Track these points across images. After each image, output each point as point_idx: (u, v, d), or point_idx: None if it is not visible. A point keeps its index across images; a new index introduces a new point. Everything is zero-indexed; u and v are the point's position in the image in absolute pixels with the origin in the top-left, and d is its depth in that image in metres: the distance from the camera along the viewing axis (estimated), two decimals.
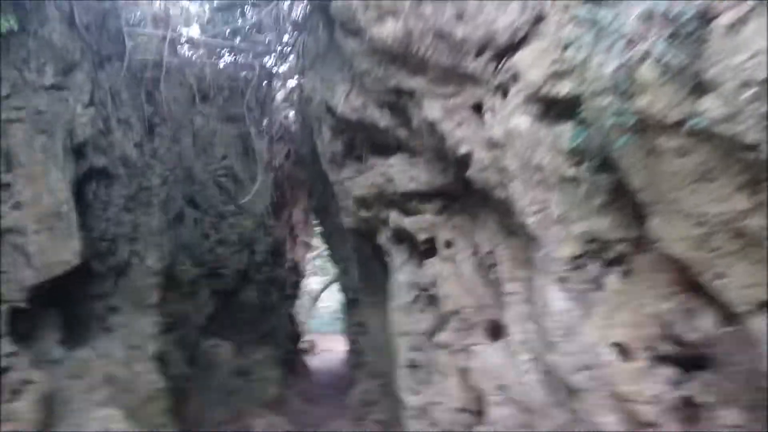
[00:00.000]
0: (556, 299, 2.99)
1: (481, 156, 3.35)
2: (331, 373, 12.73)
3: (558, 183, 2.89)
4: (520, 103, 3.12)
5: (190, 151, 9.17)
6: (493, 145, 3.25)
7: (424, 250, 4.45)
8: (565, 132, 2.80)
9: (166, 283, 7.91)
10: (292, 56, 8.69)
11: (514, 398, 3.45)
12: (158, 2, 8.96)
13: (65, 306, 5.58)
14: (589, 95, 2.48)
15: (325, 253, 14.26)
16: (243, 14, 10.07)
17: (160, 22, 8.62)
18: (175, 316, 8.09)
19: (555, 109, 2.88)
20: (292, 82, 9.95)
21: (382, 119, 3.98)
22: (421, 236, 4.34)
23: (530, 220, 3.17)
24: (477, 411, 3.99)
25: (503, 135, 3.18)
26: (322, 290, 18.52)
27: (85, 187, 5.60)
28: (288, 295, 11.84)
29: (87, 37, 5.42)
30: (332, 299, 19.87)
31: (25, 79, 4.77)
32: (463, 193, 4.05)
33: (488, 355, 3.73)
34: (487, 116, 3.30)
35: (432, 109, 3.52)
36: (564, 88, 2.77)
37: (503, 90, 3.23)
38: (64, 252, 4.81)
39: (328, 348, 16.08)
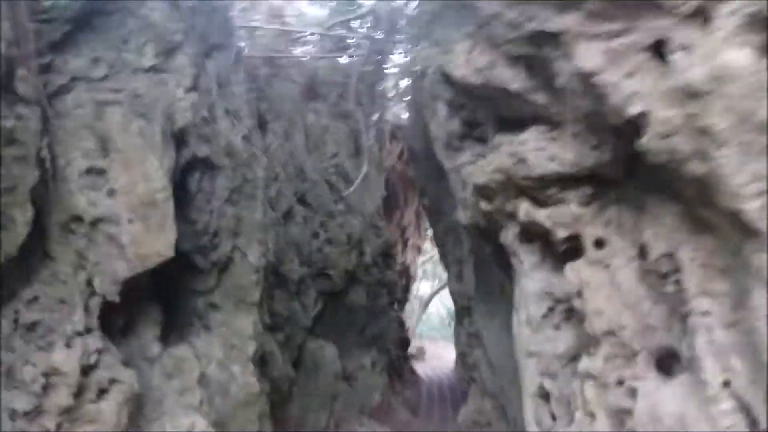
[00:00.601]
0: None
1: (664, 115, 2.24)
2: (440, 384, 11.72)
3: None
4: (735, 30, 2.00)
5: (301, 149, 8.67)
6: (686, 97, 2.14)
7: (564, 251, 3.36)
8: None
9: (272, 281, 7.40)
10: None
11: None
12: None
13: (165, 301, 5.13)
14: None
15: (436, 256, 13.35)
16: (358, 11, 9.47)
17: (274, 17, 8.22)
18: (280, 315, 7.56)
19: None
20: (404, 66, 9.08)
21: (515, 80, 2.96)
22: (561, 233, 3.25)
23: (748, 206, 2.02)
24: None
25: (705, 80, 2.06)
26: (432, 295, 17.56)
27: (188, 177, 5.12)
28: (397, 299, 11.04)
29: (191, 19, 4.94)
30: (442, 305, 18.88)
31: (124, 60, 4.34)
32: (624, 176, 2.93)
33: (661, 397, 2.57)
34: (677, 57, 2.19)
35: (588, 56, 2.46)
36: None
37: (704, 15, 2.11)
38: (159, 243, 4.30)
39: (436, 355, 15.08)
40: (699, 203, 2.35)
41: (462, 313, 7.73)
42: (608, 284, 3.02)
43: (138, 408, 4.38)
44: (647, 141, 2.33)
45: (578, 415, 3.27)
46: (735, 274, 2.32)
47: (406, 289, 13.61)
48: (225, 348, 5.17)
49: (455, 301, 8.48)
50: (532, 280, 3.75)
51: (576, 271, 3.20)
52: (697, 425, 2.27)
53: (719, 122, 2.06)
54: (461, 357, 8.94)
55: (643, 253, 2.87)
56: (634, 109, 2.35)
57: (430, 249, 16.09)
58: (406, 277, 13.33)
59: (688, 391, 2.44)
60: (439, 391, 11.17)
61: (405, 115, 10.89)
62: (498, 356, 5.81)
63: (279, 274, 7.72)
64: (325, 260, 8.68)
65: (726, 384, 2.25)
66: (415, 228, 13.52)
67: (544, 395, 3.73)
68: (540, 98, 2.91)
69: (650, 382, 2.74)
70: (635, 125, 2.40)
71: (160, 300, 5.08)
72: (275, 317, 7.41)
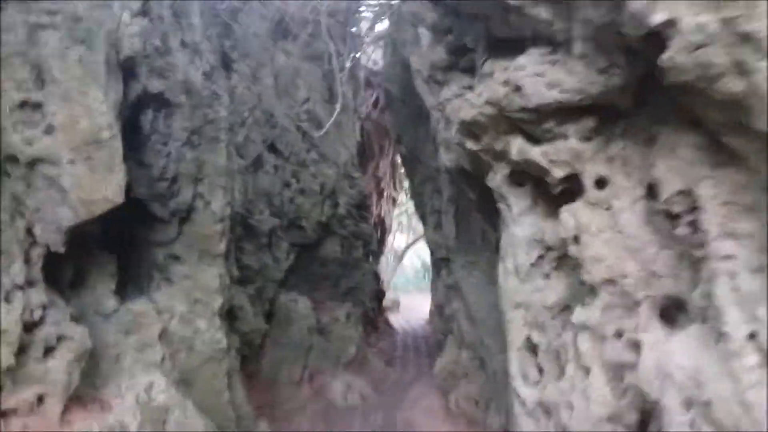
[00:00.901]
0: None
1: (696, 21, 1.86)
2: (415, 335, 11.62)
3: None
4: None
5: (270, 92, 8.08)
6: None
7: (560, 194, 3.02)
8: None
9: (241, 233, 6.98)
10: None
11: (719, 421, 2.01)
12: None
13: (122, 253, 4.68)
14: None
15: (412, 209, 13.05)
16: None
17: None
18: (250, 268, 7.18)
19: None
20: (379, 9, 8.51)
21: None
22: (558, 173, 2.90)
23: None
24: (636, 426, 2.60)
25: None
26: (407, 248, 17.38)
27: (140, 116, 4.59)
28: (372, 251, 10.74)
29: None
30: (417, 257, 18.76)
31: None
32: (633, 106, 2.57)
33: (670, 350, 2.30)
34: None
35: None
36: None
37: None
38: (107, 188, 3.81)
39: (411, 307, 14.98)
40: (728, 130, 2.01)
41: (439, 264, 7.47)
42: (609, 228, 2.70)
43: (93, 366, 4.00)
44: (673, 55, 1.95)
45: (570, 368, 3.01)
46: (763, 213, 2.01)
47: (381, 242, 13.34)
48: (188, 302, 4.78)
49: (432, 253, 8.21)
50: (521, 226, 3.43)
51: (573, 215, 2.87)
52: (715, 382, 2.00)
53: (764, 27, 1.69)
54: (438, 309, 8.76)
55: (651, 192, 2.54)
56: (658, 17, 1.96)
57: (405, 201, 15.78)
58: (381, 229, 13.03)
59: (702, 345, 2.17)
60: (414, 342, 11.06)
61: (381, 63, 10.31)
62: (478, 308, 5.57)
63: (248, 225, 7.29)
64: (298, 211, 8.26)
65: (752, 336, 1.97)
66: (391, 179, 13.12)
67: (531, 348, 3.48)
68: (542, 12, 2.49)
69: (655, 334, 2.47)
70: (658, 38, 2.01)
71: (116, 251, 4.63)
72: (245, 270, 7.04)
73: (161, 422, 3.46)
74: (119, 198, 3.86)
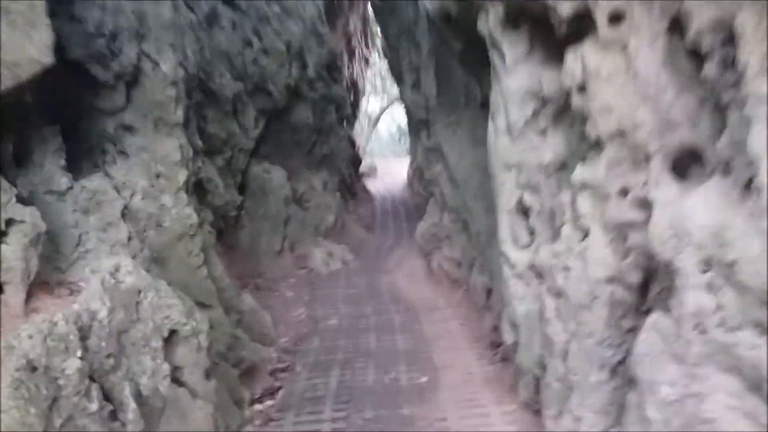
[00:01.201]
0: None
1: None
2: (394, 201, 11.58)
3: None
4: None
5: None
6: None
7: (564, 38, 2.61)
8: None
9: (201, 99, 6.42)
10: None
11: (743, 282, 1.83)
12: None
13: (69, 126, 4.19)
14: None
15: (386, 69, 12.31)
16: None
17: None
18: (216, 138, 6.73)
19: None
20: None
21: None
22: (566, 9, 2.47)
23: None
24: (640, 286, 2.49)
25: None
26: (382, 111, 16.80)
27: None
28: (346, 116, 10.24)
29: None
30: (392, 121, 18.27)
31: None
32: None
33: (688, 206, 2.08)
34: None
35: None
36: None
37: None
38: (31, 47, 3.23)
39: (388, 172, 14.84)
40: None
41: (418, 126, 7.10)
42: (623, 72, 2.34)
43: (52, 250, 3.73)
44: None
45: (566, 229, 2.84)
46: None
47: (355, 106, 12.74)
48: (150, 177, 4.41)
49: (410, 115, 7.80)
50: (515, 77, 3.04)
51: (580, 58, 2.49)
52: (744, 240, 1.80)
53: None
54: (417, 173, 8.57)
55: (675, 25, 2.16)
56: None
57: (378, 61, 14.89)
58: (355, 92, 12.36)
59: (725, 200, 1.94)
60: (393, 208, 11.05)
61: None
62: (460, 170, 5.34)
63: (208, 90, 6.68)
64: (262, 74, 7.60)
65: None
66: (362, 36, 12.16)
67: (523, 210, 3.29)
68: None
69: (668, 190, 2.24)
70: None
71: (61, 124, 4.14)
72: (210, 140, 6.58)
73: (134, 305, 3.28)
74: (47, 58, 3.29)
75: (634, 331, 2.55)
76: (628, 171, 2.42)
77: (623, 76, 2.34)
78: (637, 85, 2.30)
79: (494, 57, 3.13)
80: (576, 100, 2.56)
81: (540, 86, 2.95)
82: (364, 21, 11.78)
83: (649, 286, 2.49)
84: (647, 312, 2.49)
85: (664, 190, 2.25)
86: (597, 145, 2.53)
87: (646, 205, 2.34)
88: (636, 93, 2.31)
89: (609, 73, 2.36)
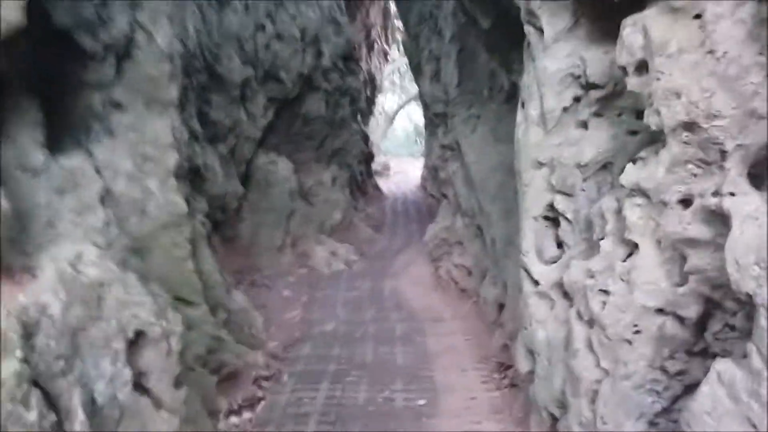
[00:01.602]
0: None
1: None
2: (406, 201, 11.07)
3: None
4: None
5: None
6: None
7: (621, 3, 2.10)
8: None
9: (206, 82, 6.00)
10: None
11: None
12: None
13: (51, 99, 3.76)
14: None
15: (404, 67, 11.83)
16: None
17: None
18: (221, 124, 6.30)
19: None
20: None
21: None
22: None
23: None
24: (697, 321, 1.97)
25: None
26: (399, 109, 16.30)
27: None
28: (360, 110, 9.77)
29: None
30: (409, 120, 17.78)
31: None
32: None
33: None
34: None
35: None
36: None
37: None
38: (4, 7, 2.81)
39: (401, 171, 14.33)
40: None
41: (436, 121, 6.61)
42: (696, 46, 1.84)
43: (19, 231, 3.30)
44: None
45: (606, 243, 2.33)
46: None
47: (371, 100, 12.26)
48: (135, 158, 3.98)
49: (427, 108, 7.31)
50: (555, 56, 2.54)
51: (641, 29, 1.98)
52: None
53: None
54: (431, 172, 8.08)
55: None
56: None
57: (397, 58, 14.41)
58: (371, 86, 11.88)
59: None
60: (404, 209, 10.56)
61: None
62: (478, 170, 4.84)
63: (215, 74, 6.25)
64: (274, 60, 7.16)
65: None
66: (382, 29, 11.69)
67: (553, 217, 2.79)
68: None
69: (749, 199, 1.73)
70: None
71: (42, 96, 3.72)
72: (214, 126, 6.15)
73: (95, 300, 2.84)
74: (20, 20, 2.86)
75: (683, 375, 2.05)
76: (695, 174, 1.92)
77: (696, 52, 1.83)
78: (714, 64, 1.80)
79: (530, 33, 2.64)
80: (632, 82, 2.05)
81: (583, 68, 2.45)
82: (385, 14, 11.32)
83: (708, 321, 1.99)
84: (702, 354, 1.99)
85: (745, 200, 1.74)
86: (656, 140, 2.03)
87: (715, 218, 1.83)
88: (712, 74, 1.80)
89: (679, 47, 1.86)
